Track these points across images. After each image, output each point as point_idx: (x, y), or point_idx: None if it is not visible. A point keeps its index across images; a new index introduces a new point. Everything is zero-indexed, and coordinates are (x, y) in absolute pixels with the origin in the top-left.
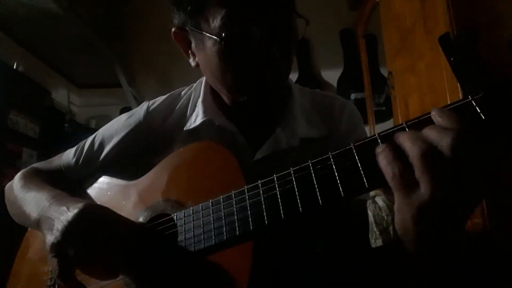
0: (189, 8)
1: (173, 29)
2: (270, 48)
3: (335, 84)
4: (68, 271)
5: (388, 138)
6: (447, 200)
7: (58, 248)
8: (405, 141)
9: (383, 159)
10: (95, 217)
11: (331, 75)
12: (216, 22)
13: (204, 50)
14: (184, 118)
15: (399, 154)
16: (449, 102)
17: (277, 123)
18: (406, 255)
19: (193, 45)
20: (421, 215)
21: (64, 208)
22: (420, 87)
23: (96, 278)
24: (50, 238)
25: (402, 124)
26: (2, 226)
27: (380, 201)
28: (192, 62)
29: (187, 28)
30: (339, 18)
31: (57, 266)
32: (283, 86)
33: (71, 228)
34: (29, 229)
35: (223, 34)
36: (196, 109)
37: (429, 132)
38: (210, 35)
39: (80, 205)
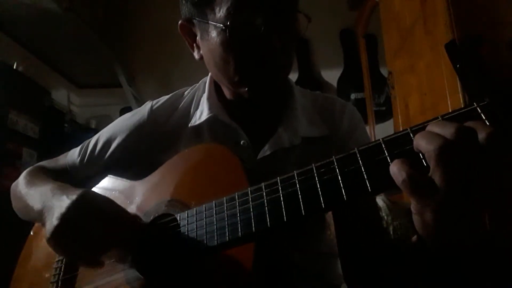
0: None
1: (179, 21)
2: (272, 39)
3: (335, 84)
4: (75, 255)
5: (391, 143)
6: (464, 198)
7: (56, 235)
8: (420, 139)
9: (393, 166)
10: (92, 204)
11: (331, 75)
12: (222, 12)
13: (209, 40)
14: (188, 116)
15: (411, 159)
16: (449, 102)
17: (279, 123)
18: (425, 251)
19: (198, 37)
20: (441, 214)
21: (64, 196)
22: (420, 87)
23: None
24: (49, 226)
25: (406, 129)
26: (4, 226)
27: (380, 201)
28: (196, 55)
29: (193, 20)
30: (339, 18)
31: (61, 253)
32: (284, 80)
33: (68, 214)
34: (31, 232)
35: (228, 22)
36: (200, 106)
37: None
38: (216, 24)
39: (78, 191)
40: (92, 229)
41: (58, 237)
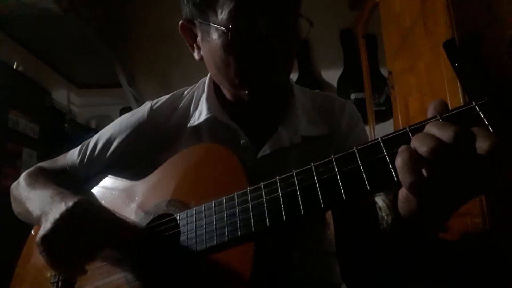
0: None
1: (180, 21)
2: (274, 43)
3: (335, 84)
4: (63, 261)
5: (390, 141)
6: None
7: (46, 240)
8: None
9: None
10: (86, 213)
11: (331, 75)
12: (224, 14)
13: (210, 42)
14: (187, 116)
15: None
16: (449, 102)
17: (279, 122)
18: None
19: (198, 38)
20: (427, 201)
21: (63, 203)
22: (420, 87)
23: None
24: (41, 231)
25: (405, 128)
26: (4, 226)
27: (380, 201)
28: (196, 55)
29: (195, 21)
30: (339, 18)
31: (48, 259)
32: (284, 83)
33: (60, 221)
34: (32, 231)
35: (230, 26)
36: (200, 106)
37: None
38: (218, 26)
39: (75, 199)
40: (82, 237)
41: (47, 242)
